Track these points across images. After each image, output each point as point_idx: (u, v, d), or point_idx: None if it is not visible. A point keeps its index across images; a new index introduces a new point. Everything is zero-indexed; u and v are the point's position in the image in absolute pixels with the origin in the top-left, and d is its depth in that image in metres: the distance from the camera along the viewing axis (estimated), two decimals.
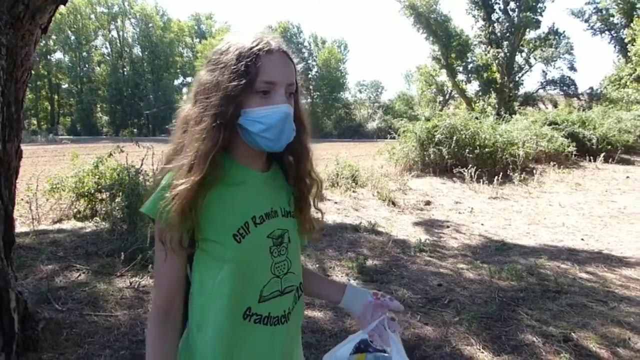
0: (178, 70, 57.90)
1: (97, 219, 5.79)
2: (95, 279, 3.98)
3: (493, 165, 11.48)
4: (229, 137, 1.10)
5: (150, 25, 53.71)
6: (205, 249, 1.10)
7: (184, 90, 60.59)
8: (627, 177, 11.99)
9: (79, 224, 5.81)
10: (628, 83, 32.03)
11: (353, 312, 1.31)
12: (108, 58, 54.39)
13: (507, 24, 37.20)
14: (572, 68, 39.42)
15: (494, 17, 37.86)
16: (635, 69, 30.58)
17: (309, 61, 54.95)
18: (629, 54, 31.51)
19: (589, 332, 3.40)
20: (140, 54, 54.31)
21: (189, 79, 60.29)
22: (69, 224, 5.87)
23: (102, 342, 3.01)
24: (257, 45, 1.08)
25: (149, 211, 1.07)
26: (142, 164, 5.39)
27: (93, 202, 6.22)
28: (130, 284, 3.91)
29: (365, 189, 9.37)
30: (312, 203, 1.27)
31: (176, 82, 58.01)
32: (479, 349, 3.14)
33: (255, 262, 1.13)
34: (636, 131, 17.08)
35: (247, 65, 1.06)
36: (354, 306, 1.30)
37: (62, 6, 2.92)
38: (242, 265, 1.10)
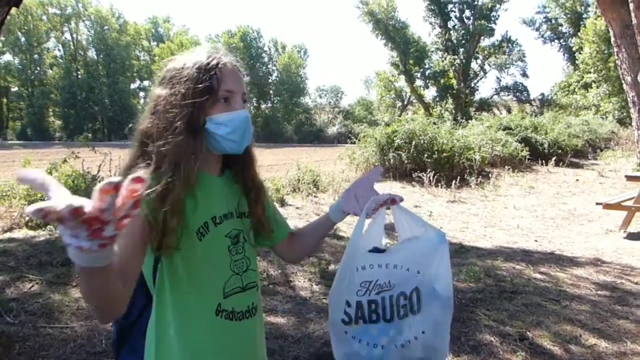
0: (135, 74, 56.49)
1: (51, 227, 5.59)
2: (50, 290, 3.84)
3: (451, 169, 11.70)
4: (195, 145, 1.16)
5: (105, 27, 52.20)
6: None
7: (141, 94, 59.34)
8: (577, 180, 12.51)
9: (32, 233, 5.59)
10: (576, 90, 33.52)
11: (341, 206, 1.41)
12: (61, 61, 52.45)
13: (463, 32, 38.28)
14: (524, 75, 41.09)
15: (450, 24, 38.93)
16: (583, 76, 32.05)
17: (269, 66, 54.48)
18: (576, 61, 33.00)
19: (543, 330, 3.53)
20: (95, 57, 52.66)
21: (145, 83, 58.85)
22: (20, 233, 5.64)
23: (58, 355, 2.91)
24: (213, 60, 1.19)
25: None
26: (99, 170, 5.24)
27: None
28: None
29: (326, 194, 9.39)
30: (265, 206, 1.36)
31: (133, 86, 56.65)
32: None
33: (216, 259, 1.22)
34: (584, 136, 17.85)
35: (210, 77, 1.16)
36: (339, 205, 1.41)
37: (14, 8, 2.83)
38: (205, 262, 1.19)
